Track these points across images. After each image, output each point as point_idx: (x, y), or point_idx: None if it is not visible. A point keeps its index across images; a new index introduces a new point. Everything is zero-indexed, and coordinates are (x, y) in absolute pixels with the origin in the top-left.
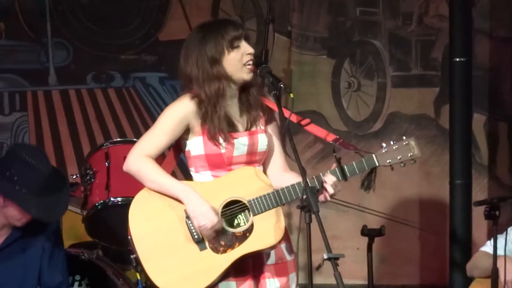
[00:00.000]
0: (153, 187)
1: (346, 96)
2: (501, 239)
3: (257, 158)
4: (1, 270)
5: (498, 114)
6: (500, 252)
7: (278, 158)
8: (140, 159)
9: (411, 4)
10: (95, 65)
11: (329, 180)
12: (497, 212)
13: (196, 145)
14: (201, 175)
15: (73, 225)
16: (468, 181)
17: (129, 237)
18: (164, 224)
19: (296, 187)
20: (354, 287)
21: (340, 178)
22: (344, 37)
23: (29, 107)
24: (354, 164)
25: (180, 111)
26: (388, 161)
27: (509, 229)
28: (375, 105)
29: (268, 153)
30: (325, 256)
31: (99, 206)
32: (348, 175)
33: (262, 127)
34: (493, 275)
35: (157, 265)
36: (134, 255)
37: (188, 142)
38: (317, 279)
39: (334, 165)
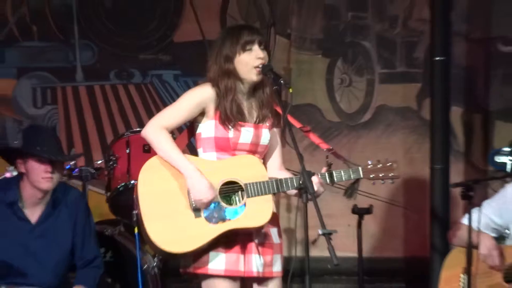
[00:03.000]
0: (163, 156)
1: (339, 91)
2: (477, 214)
3: (259, 150)
4: (37, 244)
5: (473, 106)
6: (475, 225)
7: (277, 157)
8: (158, 129)
9: (396, 9)
10: (117, 64)
11: (317, 180)
12: (471, 193)
13: (208, 128)
14: (208, 155)
15: (98, 205)
16: (446, 165)
17: (135, 195)
18: (167, 190)
19: (289, 181)
20: (346, 259)
21: (328, 181)
22: (337, 39)
23: (59, 101)
24: (342, 172)
25: (200, 95)
26: (371, 175)
27: (484, 203)
28: (365, 98)
29: (269, 150)
30: (320, 232)
31: (120, 188)
32: (335, 180)
33: (268, 125)
34: (468, 247)
35: (155, 224)
36: (136, 211)
37: (200, 124)
38: (313, 252)
39: (325, 169)
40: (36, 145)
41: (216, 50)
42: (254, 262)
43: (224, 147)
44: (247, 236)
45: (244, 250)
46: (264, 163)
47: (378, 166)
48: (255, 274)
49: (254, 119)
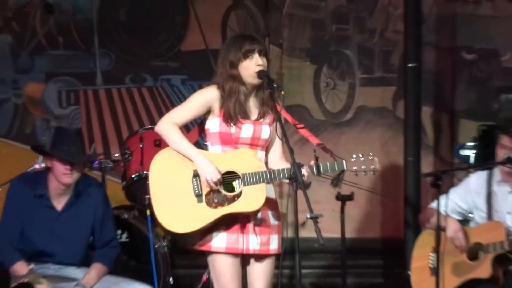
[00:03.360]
0: (174, 147)
1: (324, 93)
2: (444, 200)
3: (260, 143)
4: (62, 229)
5: (441, 107)
6: (443, 210)
7: (277, 148)
8: (169, 124)
9: (374, 22)
10: (132, 70)
11: (305, 171)
12: (440, 182)
13: (214, 124)
14: (214, 148)
15: (115, 193)
16: (417, 158)
17: (147, 182)
18: (175, 178)
19: (280, 172)
20: (330, 240)
21: (315, 172)
22: (323, 48)
23: (81, 102)
24: (328, 164)
25: (206, 96)
26: (354, 168)
27: (451, 191)
28: (347, 100)
29: (270, 142)
30: (308, 216)
31: (135, 178)
32: (322, 171)
33: (268, 121)
34: (437, 229)
35: (163, 207)
36: (148, 196)
37: (208, 121)
38: (302, 233)
39: (313, 162)
40: (61, 146)
41: (222, 57)
42: (251, 241)
43: (228, 141)
44: (246, 218)
45: (243, 230)
46: (267, 153)
47: (361, 159)
48: (252, 252)
49: (257, 115)
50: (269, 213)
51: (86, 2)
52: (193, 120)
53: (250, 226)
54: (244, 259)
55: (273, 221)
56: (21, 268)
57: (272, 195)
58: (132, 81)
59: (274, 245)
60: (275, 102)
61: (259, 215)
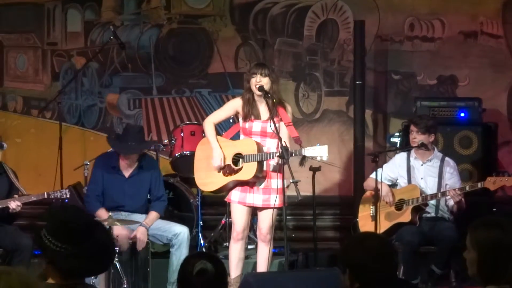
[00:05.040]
0: (207, 137)
1: (301, 100)
2: (380, 171)
3: (268, 134)
4: (129, 189)
5: (378, 110)
6: (379, 178)
7: (285, 132)
8: (207, 123)
9: (334, 54)
10: (176, 85)
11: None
12: (377, 159)
13: (240, 122)
14: (242, 137)
15: (164, 166)
16: (363, 143)
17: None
18: (206, 156)
19: (271, 153)
20: (305, 197)
21: (288, 156)
22: (300, 71)
23: (143, 106)
24: (294, 150)
25: (233, 104)
26: (309, 154)
27: (384, 166)
28: (316, 105)
29: (282, 130)
30: (291, 181)
31: (177, 156)
32: (292, 155)
33: (276, 119)
34: (375, 191)
35: (198, 173)
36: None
37: (239, 120)
38: (287, 193)
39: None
40: (123, 141)
41: (245, 76)
42: (256, 198)
43: (246, 132)
44: (254, 183)
45: (251, 190)
46: (282, 136)
47: (314, 150)
48: (256, 205)
49: (267, 117)
50: (271, 180)
51: (146, 41)
52: (227, 119)
53: (256, 188)
54: (255, 209)
55: (274, 186)
56: (102, 213)
57: (276, 169)
58: (176, 93)
59: (273, 201)
60: (275, 108)
61: (265, 181)
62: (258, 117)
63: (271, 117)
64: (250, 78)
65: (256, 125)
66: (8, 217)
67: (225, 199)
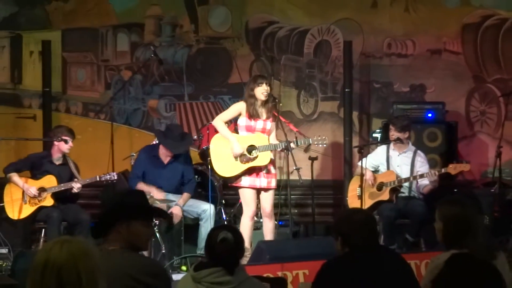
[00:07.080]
0: (221, 133)
1: (302, 104)
2: (365, 160)
3: (267, 131)
4: (166, 173)
5: (363, 111)
6: (365, 165)
7: (273, 134)
8: (218, 121)
9: (328, 68)
10: (203, 92)
11: (293, 144)
12: (363, 151)
13: (242, 121)
14: (242, 133)
15: (194, 156)
16: (350, 138)
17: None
18: (222, 147)
19: (279, 145)
20: (305, 180)
21: (297, 144)
22: (301, 81)
23: (177, 109)
24: (303, 140)
25: (238, 107)
26: (315, 143)
27: (368, 156)
28: (313, 108)
29: (270, 132)
30: (294, 167)
31: (205, 148)
32: (299, 144)
33: (271, 119)
34: (361, 176)
35: (217, 163)
36: (209, 158)
37: (239, 119)
38: (291, 177)
39: (294, 140)
40: (168, 138)
41: (247, 86)
42: (262, 181)
43: (249, 129)
44: (259, 169)
45: (258, 175)
46: (269, 136)
47: (319, 137)
48: (262, 187)
49: (265, 117)
50: (271, 167)
51: (179, 57)
52: (232, 119)
53: (261, 173)
54: (259, 191)
55: (273, 171)
56: (141, 186)
57: (273, 157)
58: (203, 99)
59: (273, 184)
60: (276, 109)
61: (267, 168)
62: (259, 117)
63: (277, 118)
64: (256, 87)
65: (259, 123)
66: (71, 197)
67: (233, 185)
